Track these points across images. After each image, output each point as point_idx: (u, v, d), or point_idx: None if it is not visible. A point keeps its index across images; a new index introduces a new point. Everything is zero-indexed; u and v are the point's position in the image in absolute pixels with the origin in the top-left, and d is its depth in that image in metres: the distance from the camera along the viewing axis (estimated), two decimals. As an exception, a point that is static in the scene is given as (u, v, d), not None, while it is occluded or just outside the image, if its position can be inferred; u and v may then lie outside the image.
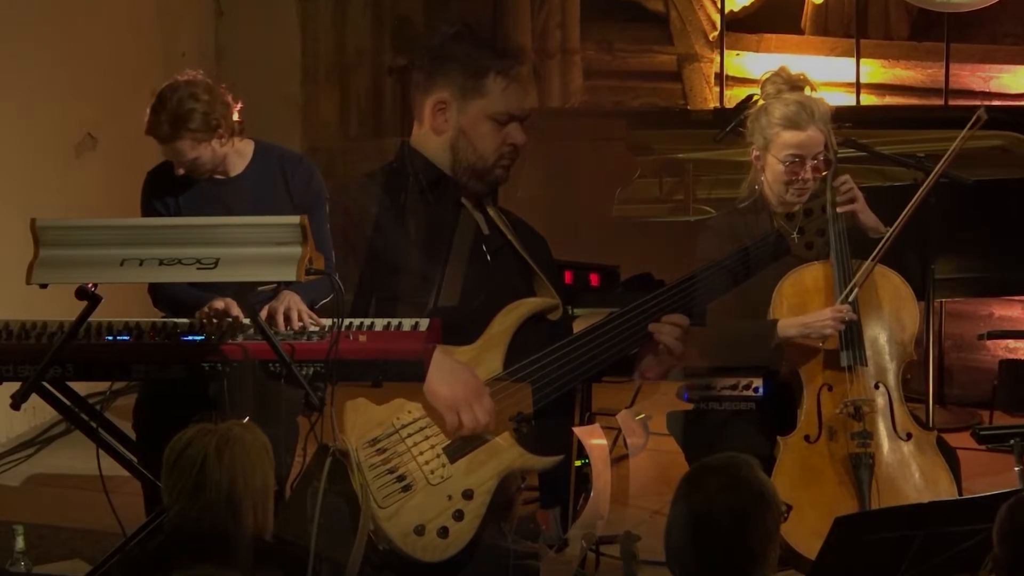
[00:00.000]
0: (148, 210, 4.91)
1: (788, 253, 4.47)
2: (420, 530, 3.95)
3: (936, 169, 4.71)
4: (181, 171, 4.80)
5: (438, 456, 4.01)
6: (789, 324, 4.53)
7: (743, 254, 4.44)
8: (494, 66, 4.31)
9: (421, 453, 4.01)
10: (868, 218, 4.63)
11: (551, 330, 4.24)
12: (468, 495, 4.00)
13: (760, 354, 4.55)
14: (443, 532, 3.97)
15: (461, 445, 4.03)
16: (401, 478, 3.98)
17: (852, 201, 4.56)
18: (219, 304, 4.41)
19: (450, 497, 4.00)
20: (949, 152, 4.67)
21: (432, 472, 4.00)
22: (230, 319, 4.29)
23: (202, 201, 4.84)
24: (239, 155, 4.89)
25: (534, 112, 4.52)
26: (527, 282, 4.34)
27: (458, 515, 3.97)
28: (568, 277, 5.25)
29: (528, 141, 4.35)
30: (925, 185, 4.72)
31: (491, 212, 4.37)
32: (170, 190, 4.87)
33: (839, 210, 4.52)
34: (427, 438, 4.03)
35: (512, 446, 4.06)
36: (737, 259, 4.43)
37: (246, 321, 4.21)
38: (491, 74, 4.29)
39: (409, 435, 4.02)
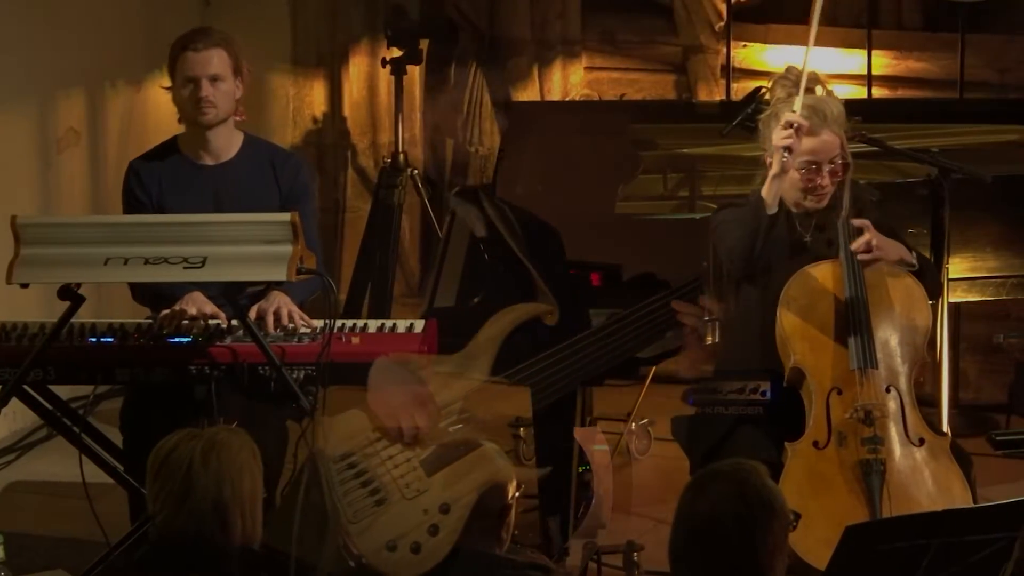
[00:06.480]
0: (129, 199, 4.79)
1: (804, 251, 4.35)
2: (392, 546, 3.92)
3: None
4: (201, 94, 4.64)
5: (415, 469, 3.98)
6: (766, 188, 4.37)
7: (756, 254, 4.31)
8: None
9: (396, 466, 3.98)
10: (891, 256, 4.52)
11: (547, 335, 4.14)
12: (444, 509, 3.94)
13: (755, 225, 4.39)
14: (416, 548, 3.93)
15: (440, 457, 3.97)
16: (374, 492, 3.95)
17: (869, 252, 4.45)
18: (184, 304, 4.33)
19: (426, 511, 3.95)
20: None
21: (407, 486, 3.97)
22: (207, 321, 4.20)
23: (188, 187, 4.73)
24: (229, 141, 4.79)
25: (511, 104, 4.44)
26: (525, 286, 4.25)
27: (433, 530, 3.92)
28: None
29: None
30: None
31: (489, 211, 4.27)
32: (155, 178, 4.76)
33: (860, 258, 4.45)
34: (402, 451, 3.96)
35: (495, 458, 3.95)
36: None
37: (235, 323, 4.15)
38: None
39: (385, 447, 3.95)
